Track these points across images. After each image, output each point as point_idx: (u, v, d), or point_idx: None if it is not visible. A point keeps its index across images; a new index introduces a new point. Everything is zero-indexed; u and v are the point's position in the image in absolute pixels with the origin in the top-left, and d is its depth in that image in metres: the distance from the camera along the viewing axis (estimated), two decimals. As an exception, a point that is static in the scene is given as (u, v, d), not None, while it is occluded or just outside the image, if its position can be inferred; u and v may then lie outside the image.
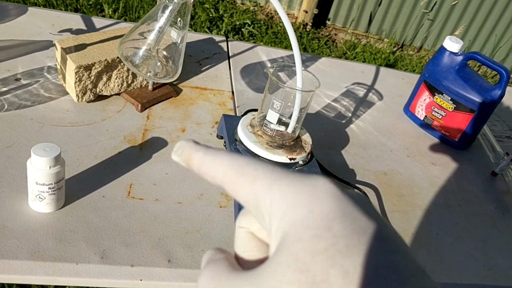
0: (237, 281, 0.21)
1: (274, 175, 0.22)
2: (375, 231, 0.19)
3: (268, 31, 2.97)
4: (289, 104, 0.75)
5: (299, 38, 3.03)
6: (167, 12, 0.78)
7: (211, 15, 2.90)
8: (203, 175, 0.24)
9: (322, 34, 3.29)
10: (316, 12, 3.24)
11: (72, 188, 0.70)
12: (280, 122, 0.76)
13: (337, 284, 0.17)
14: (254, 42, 1.29)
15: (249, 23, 2.96)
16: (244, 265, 0.24)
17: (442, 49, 1.07)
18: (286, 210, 0.20)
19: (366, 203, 0.21)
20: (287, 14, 3.25)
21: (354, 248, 0.18)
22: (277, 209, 0.21)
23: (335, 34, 3.38)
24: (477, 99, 1.01)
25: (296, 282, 0.18)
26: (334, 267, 0.17)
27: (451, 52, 1.06)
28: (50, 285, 1.25)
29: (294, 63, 0.73)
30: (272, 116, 0.75)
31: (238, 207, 0.68)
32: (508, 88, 1.31)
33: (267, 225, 0.21)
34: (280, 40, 2.88)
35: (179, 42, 0.84)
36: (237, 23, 2.92)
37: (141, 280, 0.61)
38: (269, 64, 1.19)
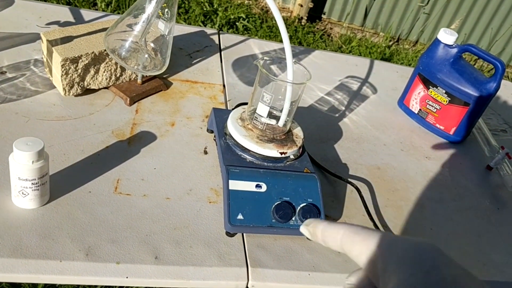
0: None
1: (383, 235, 0.29)
2: (471, 279, 0.25)
3: (263, 25, 2.94)
4: (280, 97, 0.73)
5: (294, 32, 3.01)
6: (154, 2, 0.76)
7: (205, 9, 2.87)
8: (325, 238, 0.33)
9: (317, 28, 3.27)
10: (311, 6, 3.21)
11: (57, 184, 0.68)
12: (270, 115, 0.74)
13: None
14: (248, 36, 1.27)
15: (244, 17, 2.94)
16: None
17: (437, 42, 1.05)
18: (396, 256, 0.26)
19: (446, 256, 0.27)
20: (282, 8, 3.23)
21: (460, 285, 0.23)
22: (387, 257, 0.27)
23: (331, 28, 3.36)
24: (472, 92, 1.00)
25: None
26: None
27: (446, 45, 1.04)
28: (39, 284, 1.24)
29: (285, 55, 0.72)
30: (262, 110, 0.74)
31: (227, 204, 0.67)
32: (503, 81, 1.30)
33: (377, 270, 0.28)
34: (275, 34, 2.85)
35: (166, 34, 0.82)
36: (232, 17, 2.90)
37: (127, 277, 0.60)
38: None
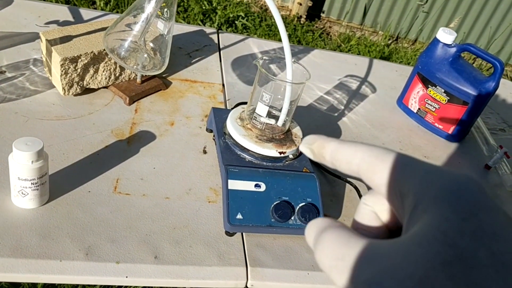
0: (376, 247, 0.22)
1: (414, 163, 0.24)
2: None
3: (262, 24, 2.94)
4: (279, 96, 0.73)
5: (293, 30, 3.01)
6: (153, 1, 0.76)
7: (204, 7, 2.87)
8: (336, 161, 0.27)
9: (316, 27, 3.27)
10: (311, 5, 3.21)
11: (57, 183, 0.68)
12: (270, 115, 0.75)
13: (484, 261, 0.19)
14: (247, 35, 1.27)
15: (243, 15, 2.94)
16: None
17: (436, 41, 1.06)
18: (431, 193, 0.22)
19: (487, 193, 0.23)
20: (281, 7, 3.22)
21: (500, 236, 0.20)
22: (420, 192, 0.22)
23: (330, 27, 3.36)
24: (470, 91, 1.00)
25: (444, 253, 0.19)
26: (482, 247, 0.19)
27: (445, 44, 1.04)
28: (39, 283, 1.24)
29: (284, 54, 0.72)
30: (262, 109, 0.74)
31: (227, 203, 0.67)
32: (502, 80, 1.30)
33: (401, 205, 0.23)
34: (274, 33, 2.85)
35: (165, 33, 0.83)
36: (231, 15, 2.89)
37: (126, 277, 0.60)
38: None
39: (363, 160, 0.25)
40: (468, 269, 0.18)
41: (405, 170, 0.24)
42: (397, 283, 0.19)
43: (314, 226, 0.25)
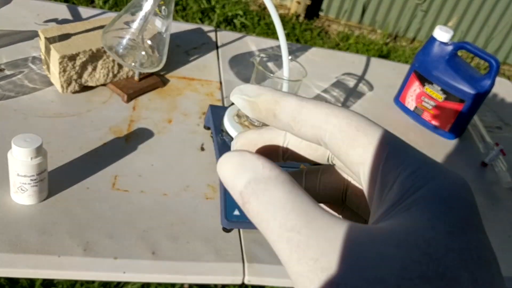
0: (341, 229, 0.18)
1: (407, 149, 0.20)
2: (490, 254, 0.19)
3: (261, 22, 2.95)
4: (276, 94, 0.74)
5: (292, 29, 3.01)
6: None
7: (202, 6, 2.87)
8: (297, 124, 0.21)
9: (315, 26, 3.27)
10: (309, 3, 3.22)
11: (55, 180, 0.69)
12: (267, 112, 0.75)
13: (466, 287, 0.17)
14: (246, 33, 1.27)
15: (241, 14, 2.94)
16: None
17: (432, 39, 1.06)
18: (420, 193, 0.19)
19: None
20: (280, 6, 3.23)
21: (486, 262, 0.18)
22: (408, 187, 0.19)
23: (328, 26, 3.37)
24: (467, 89, 1.01)
25: (425, 265, 0.17)
26: (467, 271, 0.17)
27: (441, 42, 1.05)
28: (38, 279, 1.24)
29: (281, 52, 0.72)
30: (259, 106, 0.74)
31: (224, 200, 0.68)
32: (498, 78, 1.31)
33: (379, 193, 0.20)
34: (273, 32, 2.86)
35: (163, 31, 0.83)
36: (229, 14, 2.90)
37: (124, 272, 0.61)
38: (258, 55, 1.17)
39: (338, 128, 0.20)
40: None
41: (396, 155, 0.20)
42: (366, 284, 0.16)
43: (248, 168, 0.19)
